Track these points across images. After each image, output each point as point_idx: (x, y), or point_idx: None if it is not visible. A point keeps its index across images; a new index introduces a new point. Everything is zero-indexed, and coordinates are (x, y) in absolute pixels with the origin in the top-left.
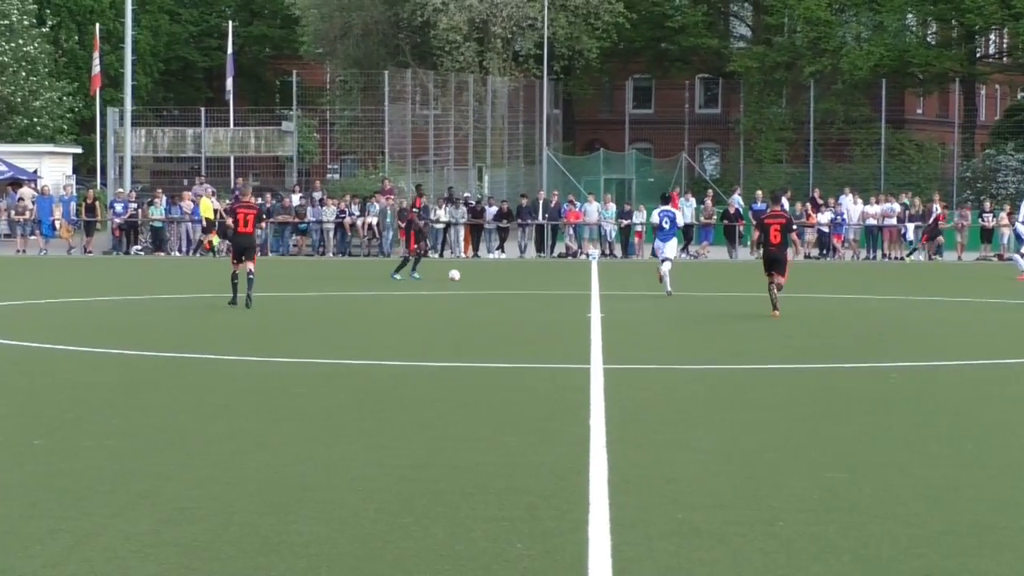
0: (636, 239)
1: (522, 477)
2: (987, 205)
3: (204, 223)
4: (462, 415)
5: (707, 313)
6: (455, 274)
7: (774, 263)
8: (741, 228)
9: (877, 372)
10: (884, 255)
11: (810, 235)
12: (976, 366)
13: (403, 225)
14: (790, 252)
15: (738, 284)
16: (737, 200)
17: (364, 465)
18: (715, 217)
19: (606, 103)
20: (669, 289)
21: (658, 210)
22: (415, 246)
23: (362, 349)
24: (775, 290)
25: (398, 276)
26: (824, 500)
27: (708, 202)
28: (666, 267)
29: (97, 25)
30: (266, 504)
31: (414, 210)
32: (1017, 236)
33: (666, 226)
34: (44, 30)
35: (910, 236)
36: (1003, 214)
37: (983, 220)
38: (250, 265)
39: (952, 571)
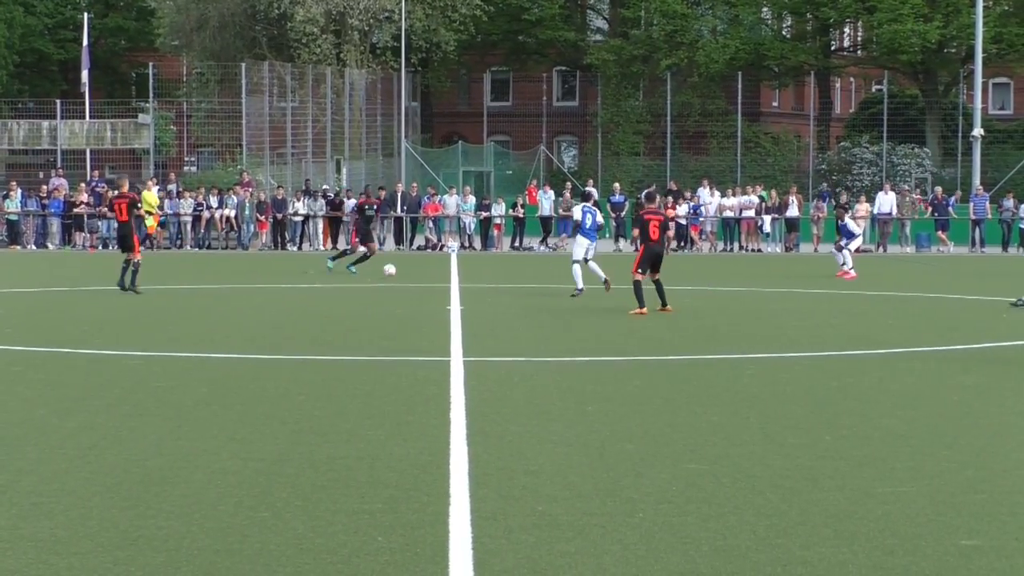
0: (495, 231)
1: (382, 470)
2: (843, 197)
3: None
4: (322, 409)
5: (566, 305)
6: (390, 268)
7: (657, 259)
8: None
9: (734, 364)
10: (741, 247)
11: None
12: (833, 357)
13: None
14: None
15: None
16: (593, 192)
17: (223, 459)
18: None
19: (464, 96)
20: (601, 278)
21: (579, 206)
22: (355, 241)
23: (220, 342)
24: (662, 287)
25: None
26: (683, 491)
27: (567, 194)
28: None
29: None
30: (124, 498)
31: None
32: (843, 231)
33: (588, 222)
34: None
35: (767, 228)
36: (859, 207)
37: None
38: (132, 256)
39: (809, 561)
